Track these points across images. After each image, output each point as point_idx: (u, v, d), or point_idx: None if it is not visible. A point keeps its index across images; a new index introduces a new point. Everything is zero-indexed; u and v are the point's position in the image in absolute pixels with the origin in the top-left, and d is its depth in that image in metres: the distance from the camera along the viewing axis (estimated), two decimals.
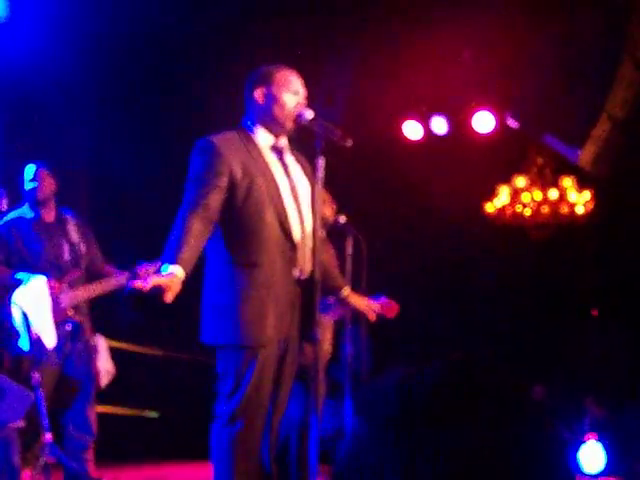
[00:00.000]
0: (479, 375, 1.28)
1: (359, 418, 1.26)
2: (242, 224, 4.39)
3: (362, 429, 1.23)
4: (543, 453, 1.23)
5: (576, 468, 7.93)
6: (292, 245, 4.42)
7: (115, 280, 6.55)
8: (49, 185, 6.66)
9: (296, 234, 4.44)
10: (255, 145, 4.53)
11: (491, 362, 1.32)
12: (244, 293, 4.32)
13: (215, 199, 4.34)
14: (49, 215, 6.69)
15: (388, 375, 1.29)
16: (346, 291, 4.83)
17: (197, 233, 4.25)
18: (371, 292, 7.44)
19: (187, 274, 4.16)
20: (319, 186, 4.41)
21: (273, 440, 4.52)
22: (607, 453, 8.11)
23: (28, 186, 6.63)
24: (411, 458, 1.14)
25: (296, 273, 4.43)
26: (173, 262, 4.11)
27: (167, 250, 4.18)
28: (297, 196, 4.54)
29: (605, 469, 8.09)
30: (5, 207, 6.70)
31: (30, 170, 6.66)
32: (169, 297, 4.06)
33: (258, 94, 4.56)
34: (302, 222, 4.50)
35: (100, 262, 6.83)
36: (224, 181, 4.38)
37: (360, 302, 4.90)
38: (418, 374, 1.25)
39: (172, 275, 4.07)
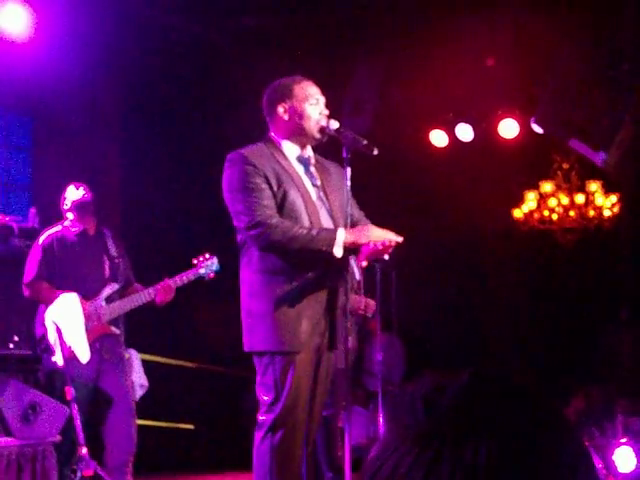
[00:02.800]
0: (497, 392, 1.27)
1: (389, 425, 1.27)
2: None
3: (390, 436, 1.23)
4: (568, 470, 1.21)
5: (609, 471, 7.87)
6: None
7: (145, 295, 6.62)
8: (91, 198, 6.78)
9: None
10: (284, 156, 4.58)
11: (511, 376, 1.30)
12: (278, 300, 4.35)
13: (268, 200, 4.41)
14: (91, 229, 6.79)
15: (417, 383, 1.28)
16: None
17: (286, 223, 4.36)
18: (400, 301, 7.50)
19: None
20: (348, 195, 4.45)
21: (310, 451, 4.53)
22: (638, 458, 8.04)
23: (76, 197, 6.73)
24: (431, 472, 1.14)
25: (329, 280, 4.46)
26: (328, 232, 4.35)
27: (311, 238, 4.34)
28: (328, 205, 4.57)
29: (637, 474, 8.00)
30: (37, 225, 6.79)
31: (74, 187, 6.77)
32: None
33: (281, 110, 4.60)
34: None
35: (131, 279, 6.91)
36: (265, 183, 4.43)
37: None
38: (441, 388, 1.24)
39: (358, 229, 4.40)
